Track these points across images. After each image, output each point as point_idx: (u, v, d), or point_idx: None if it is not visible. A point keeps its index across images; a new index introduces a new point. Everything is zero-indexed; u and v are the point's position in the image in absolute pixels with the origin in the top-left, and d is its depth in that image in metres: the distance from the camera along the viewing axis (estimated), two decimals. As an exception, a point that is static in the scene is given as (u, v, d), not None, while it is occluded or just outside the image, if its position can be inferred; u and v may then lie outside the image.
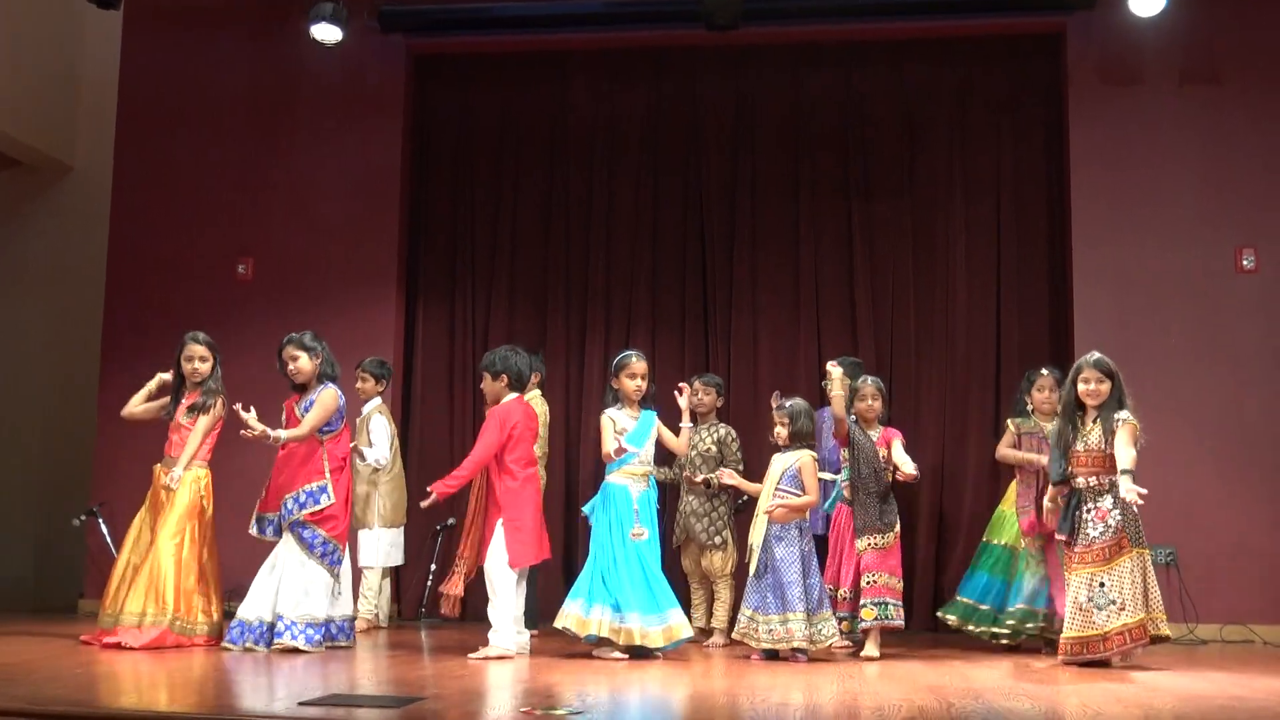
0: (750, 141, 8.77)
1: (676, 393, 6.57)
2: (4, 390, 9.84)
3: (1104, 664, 5.89)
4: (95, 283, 9.07)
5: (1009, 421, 7.05)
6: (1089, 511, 5.95)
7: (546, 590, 7.54)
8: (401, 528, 7.68)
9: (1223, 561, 7.66)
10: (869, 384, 6.69)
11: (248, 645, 6.04)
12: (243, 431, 6.10)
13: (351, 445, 7.35)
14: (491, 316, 8.79)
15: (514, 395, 6.22)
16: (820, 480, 6.63)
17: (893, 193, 8.58)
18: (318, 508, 6.16)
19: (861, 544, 6.39)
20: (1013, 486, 7.01)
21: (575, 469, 8.37)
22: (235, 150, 8.86)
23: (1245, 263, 7.95)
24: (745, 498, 6.98)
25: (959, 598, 7.03)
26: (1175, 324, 7.96)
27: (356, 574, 7.57)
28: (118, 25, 9.03)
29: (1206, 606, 7.58)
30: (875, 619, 6.26)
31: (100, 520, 8.26)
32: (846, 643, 6.55)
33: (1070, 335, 8.05)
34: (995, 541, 7.05)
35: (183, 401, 6.50)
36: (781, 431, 6.36)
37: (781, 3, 8.39)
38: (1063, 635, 5.97)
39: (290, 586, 6.09)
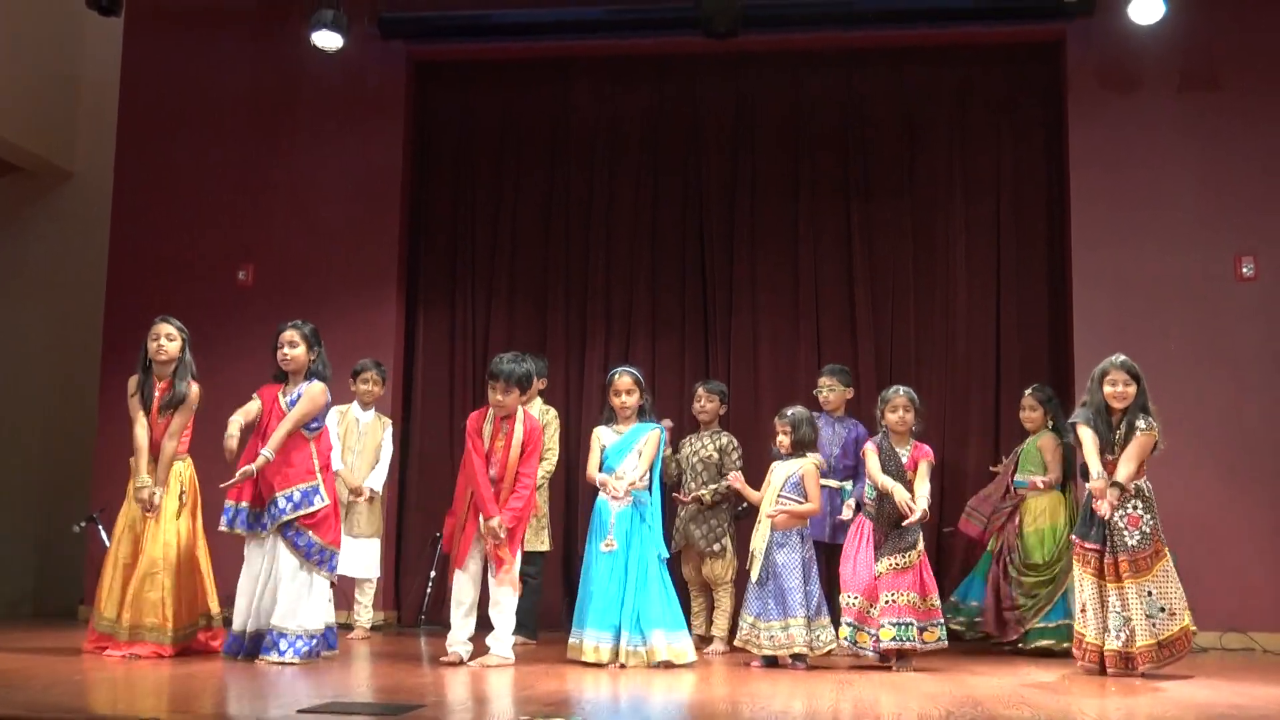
0: (750, 143, 8.79)
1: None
2: (4, 395, 9.85)
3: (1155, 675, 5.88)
4: (95, 287, 9.08)
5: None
6: (1121, 519, 5.90)
7: (547, 599, 7.54)
8: (378, 538, 7.61)
9: (1222, 568, 7.65)
10: (900, 394, 6.32)
11: (250, 657, 5.95)
12: (248, 468, 5.89)
13: (365, 497, 7.29)
14: (492, 320, 8.80)
15: (521, 408, 6.23)
16: (823, 487, 6.64)
17: (892, 195, 8.60)
18: (311, 509, 5.95)
19: (882, 565, 6.12)
20: (1034, 504, 7.07)
21: (575, 476, 8.35)
22: (236, 154, 8.86)
23: (1245, 270, 7.96)
24: (744, 505, 6.97)
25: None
26: (1174, 329, 7.96)
27: (350, 583, 7.55)
28: (118, 30, 9.04)
29: (1206, 614, 7.53)
30: (894, 639, 6.00)
31: (100, 526, 8.24)
32: (857, 652, 6.51)
33: (1070, 339, 8.05)
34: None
35: (155, 395, 6.23)
36: (784, 440, 6.35)
37: (781, 10, 8.40)
38: (1139, 644, 5.81)
39: (285, 597, 5.91)
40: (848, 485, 6.96)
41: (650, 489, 6.31)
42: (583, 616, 6.11)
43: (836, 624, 6.29)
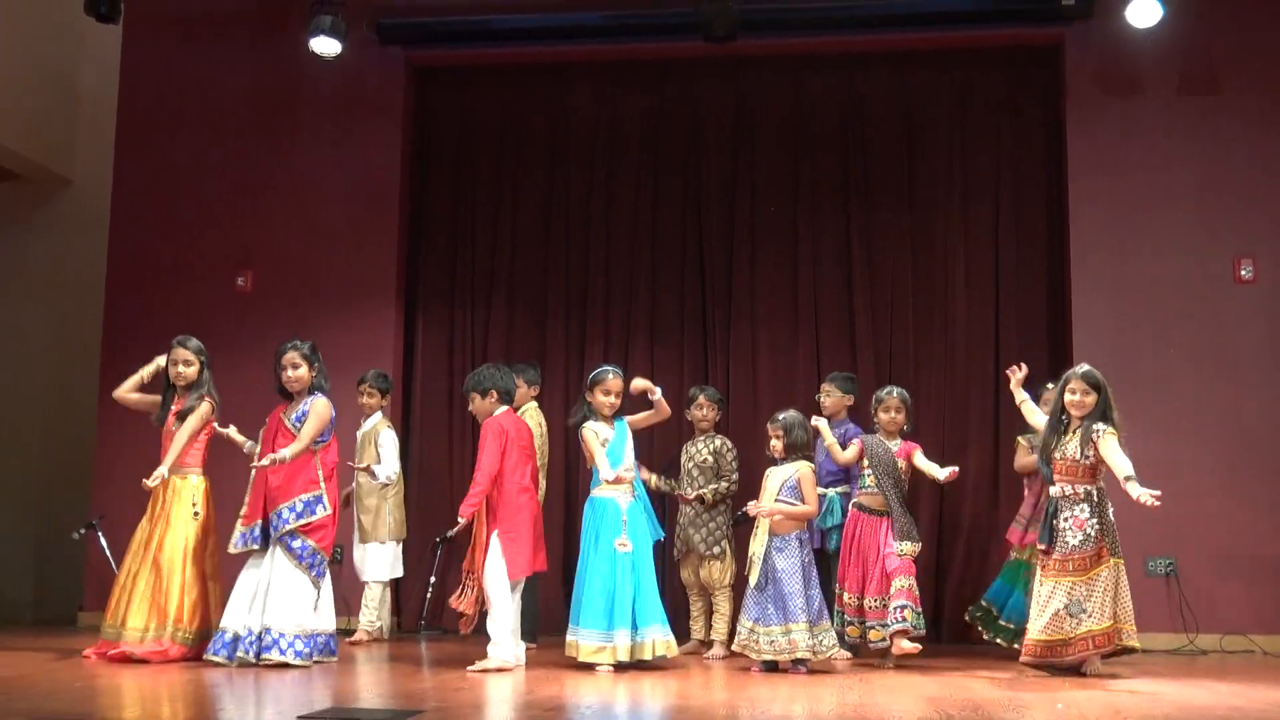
0: (749, 147, 8.79)
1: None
2: (4, 400, 9.85)
3: (1058, 667, 5.94)
4: (94, 292, 9.08)
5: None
6: (1066, 520, 6.00)
7: (547, 603, 7.54)
8: (402, 541, 7.68)
9: (1222, 571, 7.66)
10: (894, 395, 6.65)
11: (240, 658, 5.95)
12: (254, 465, 6.07)
13: (362, 466, 7.34)
14: (491, 325, 8.80)
15: (504, 409, 6.23)
16: (823, 494, 6.68)
17: (891, 198, 8.60)
18: (313, 518, 6.06)
19: (903, 547, 6.35)
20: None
21: (574, 479, 8.35)
22: (234, 159, 8.87)
23: (1244, 273, 7.96)
24: (743, 510, 6.96)
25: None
26: (1173, 331, 7.96)
27: (357, 587, 7.57)
28: (116, 37, 9.06)
29: (1206, 616, 7.57)
30: (914, 623, 6.25)
31: (100, 533, 8.24)
32: (847, 654, 6.55)
33: (1069, 342, 8.05)
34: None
35: (172, 409, 6.42)
36: (777, 444, 6.37)
37: (779, 14, 8.41)
38: (1028, 637, 6.02)
39: (279, 597, 5.97)
40: (830, 492, 6.93)
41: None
42: (589, 616, 6.08)
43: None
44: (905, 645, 6.20)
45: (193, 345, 6.47)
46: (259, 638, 5.96)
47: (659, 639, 6.15)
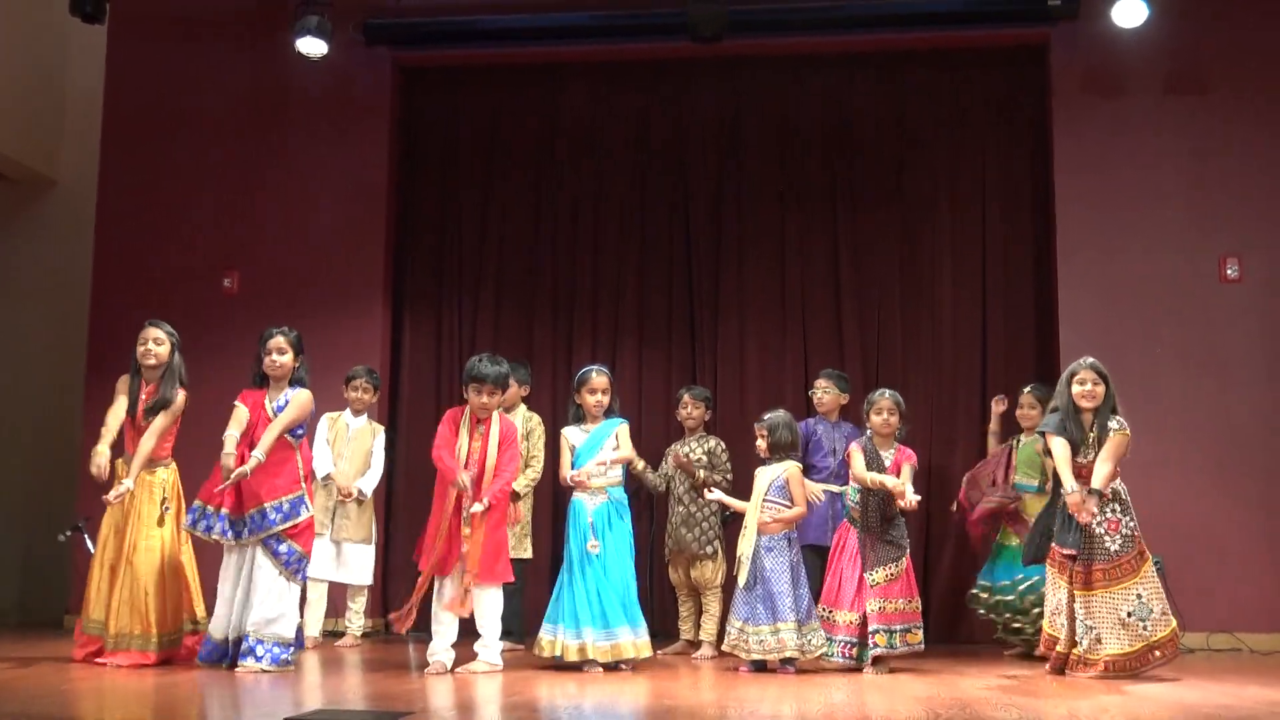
0: (738, 147, 8.79)
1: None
2: (-12, 404, 9.81)
3: (1137, 676, 5.87)
4: (80, 295, 9.04)
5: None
6: (1100, 525, 5.91)
7: (535, 604, 7.51)
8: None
9: (1210, 569, 7.67)
10: (886, 397, 6.43)
11: (226, 665, 5.91)
12: (232, 475, 5.81)
13: (354, 496, 7.26)
14: (479, 325, 8.79)
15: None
16: (825, 491, 6.67)
17: (879, 198, 8.61)
18: (298, 520, 5.95)
19: (874, 577, 6.20)
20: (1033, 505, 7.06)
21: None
22: (220, 160, 8.83)
23: (1230, 272, 7.98)
24: (730, 510, 6.97)
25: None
26: (1161, 330, 7.98)
27: (341, 590, 7.52)
28: (102, 39, 9.02)
29: (1194, 615, 7.55)
30: (886, 647, 6.11)
31: (86, 535, 8.18)
32: (837, 659, 6.54)
33: (1056, 340, 8.07)
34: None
35: (141, 398, 6.24)
36: (761, 444, 6.37)
37: (767, 15, 8.41)
38: (1112, 652, 5.83)
39: (262, 605, 5.86)
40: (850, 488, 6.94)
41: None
42: (555, 614, 6.14)
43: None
44: (870, 673, 6.09)
45: (164, 326, 6.31)
46: (238, 644, 5.90)
47: (629, 641, 6.12)
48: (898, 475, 6.25)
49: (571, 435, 6.38)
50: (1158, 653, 5.88)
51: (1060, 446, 5.96)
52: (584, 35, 8.69)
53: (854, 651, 6.21)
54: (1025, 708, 4.94)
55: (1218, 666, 6.76)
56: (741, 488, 6.69)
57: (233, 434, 5.93)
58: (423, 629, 8.09)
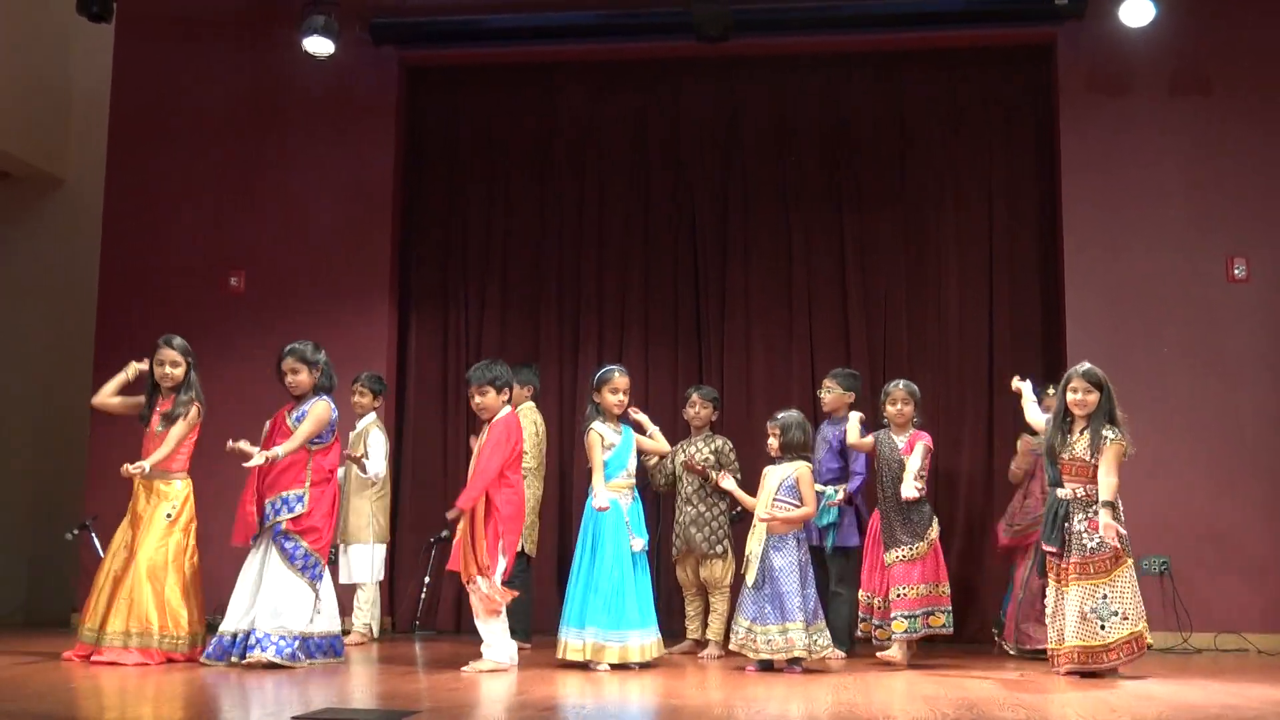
0: (741, 145, 8.79)
1: (631, 411, 6.57)
2: (-5, 403, 9.83)
3: (1099, 674, 5.90)
4: (87, 294, 9.05)
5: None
6: (1081, 523, 5.96)
7: (543, 602, 7.53)
8: (384, 544, 7.65)
9: (1216, 570, 7.67)
10: (900, 388, 6.71)
11: (231, 660, 5.96)
12: (245, 464, 5.99)
13: (358, 456, 7.33)
14: (484, 327, 8.79)
15: (507, 409, 6.21)
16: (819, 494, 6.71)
17: (884, 197, 8.60)
18: (291, 514, 6.04)
19: (891, 557, 6.44)
20: None
21: (569, 480, 8.35)
22: (227, 159, 8.85)
23: (1236, 271, 7.98)
24: (739, 510, 6.97)
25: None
26: (1167, 330, 7.97)
27: (348, 589, 7.53)
28: (109, 38, 9.02)
29: (1200, 615, 7.58)
30: (905, 631, 6.34)
31: (93, 534, 8.22)
32: (842, 653, 6.57)
33: (1062, 341, 8.06)
34: None
35: (157, 409, 6.36)
36: (773, 443, 6.37)
37: (770, 14, 8.41)
38: (1065, 644, 5.95)
39: (268, 598, 5.97)
40: (829, 490, 6.93)
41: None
42: (598, 615, 6.08)
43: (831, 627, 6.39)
44: (888, 654, 6.35)
45: (178, 344, 6.40)
46: (245, 637, 5.97)
47: (654, 641, 6.24)
48: (909, 453, 6.51)
49: (606, 434, 6.35)
50: (1110, 654, 5.89)
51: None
52: (587, 34, 8.70)
53: (881, 633, 6.46)
54: (1032, 707, 4.93)
55: (1224, 667, 6.75)
56: (749, 487, 6.68)
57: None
58: (429, 627, 8.16)
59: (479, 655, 6.00)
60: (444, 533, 7.92)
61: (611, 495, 6.27)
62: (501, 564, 5.98)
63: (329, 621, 6.24)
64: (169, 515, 6.25)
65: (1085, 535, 5.94)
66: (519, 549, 6.91)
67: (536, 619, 7.24)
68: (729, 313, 8.58)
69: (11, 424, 9.79)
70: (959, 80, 8.67)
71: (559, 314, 8.75)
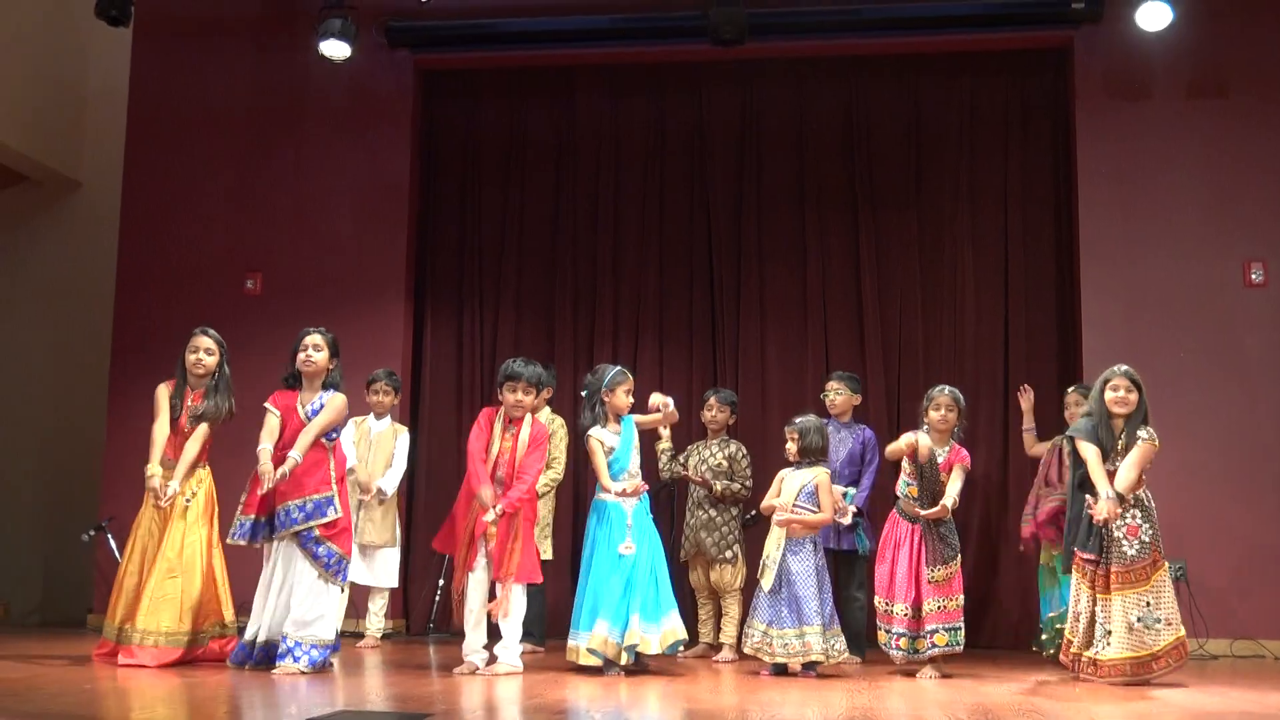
0: (756, 149, 8.79)
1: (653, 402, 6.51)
2: (13, 403, 9.86)
3: (1148, 684, 5.85)
4: (103, 296, 9.09)
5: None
6: (1120, 529, 5.90)
7: (557, 606, 7.52)
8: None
9: (1234, 576, 7.64)
10: (945, 394, 6.34)
11: (257, 667, 5.90)
12: (269, 480, 5.81)
13: (371, 494, 7.29)
14: (499, 328, 8.81)
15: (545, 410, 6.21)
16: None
17: (900, 201, 8.60)
18: (324, 519, 5.89)
19: (935, 574, 6.16)
20: None
21: (583, 481, 8.35)
22: (243, 162, 8.89)
23: (1254, 276, 7.94)
24: (754, 513, 6.96)
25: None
26: (1185, 337, 7.94)
27: (362, 592, 7.53)
28: (126, 40, 9.07)
29: (1217, 621, 7.55)
30: (948, 645, 6.10)
31: (109, 535, 8.26)
32: (857, 659, 6.54)
33: (1079, 347, 8.04)
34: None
35: (187, 404, 6.27)
36: (792, 448, 6.35)
37: (787, 18, 8.42)
38: (1112, 656, 5.83)
39: (299, 607, 5.84)
40: (850, 490, 6.93)
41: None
42: (589, 617, 6.07)
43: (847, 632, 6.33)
44: (928, 675, 6.12)
45: (214, 335, 6.36)
46: (274, 646, 5.89)
47: (667, 631, 6.09)
48: (948, 474, 6.21)
49: (605, 438, 6.31)
50: (1159, 662, 5.85)
51: (1092, 453, 5.95)
52: (602, 38, 8.71)
53: (903, 643, 6.20)
54: (1048, 713, 4.91)
55: (1241, 673, 6.72)
56: (761, 487, 6.67)
57: (266, 447, 5.91)
58: (444, 629, 8.17)
59: (494, 658, 5.99)
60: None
61: (612, 499, 6.23)
62: (532, 570, 6.02)
63: (339, 622, 6.21)
64: (186, 503, 6.19)
65: (1125, 542, 5.87)
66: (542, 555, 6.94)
67: (549, 622, 7.24)
68: (744, 315, 8.58)
69: (28, 425, 9.84)
70: (975, 84, 8.66)
71: (574, 316, 8.76)
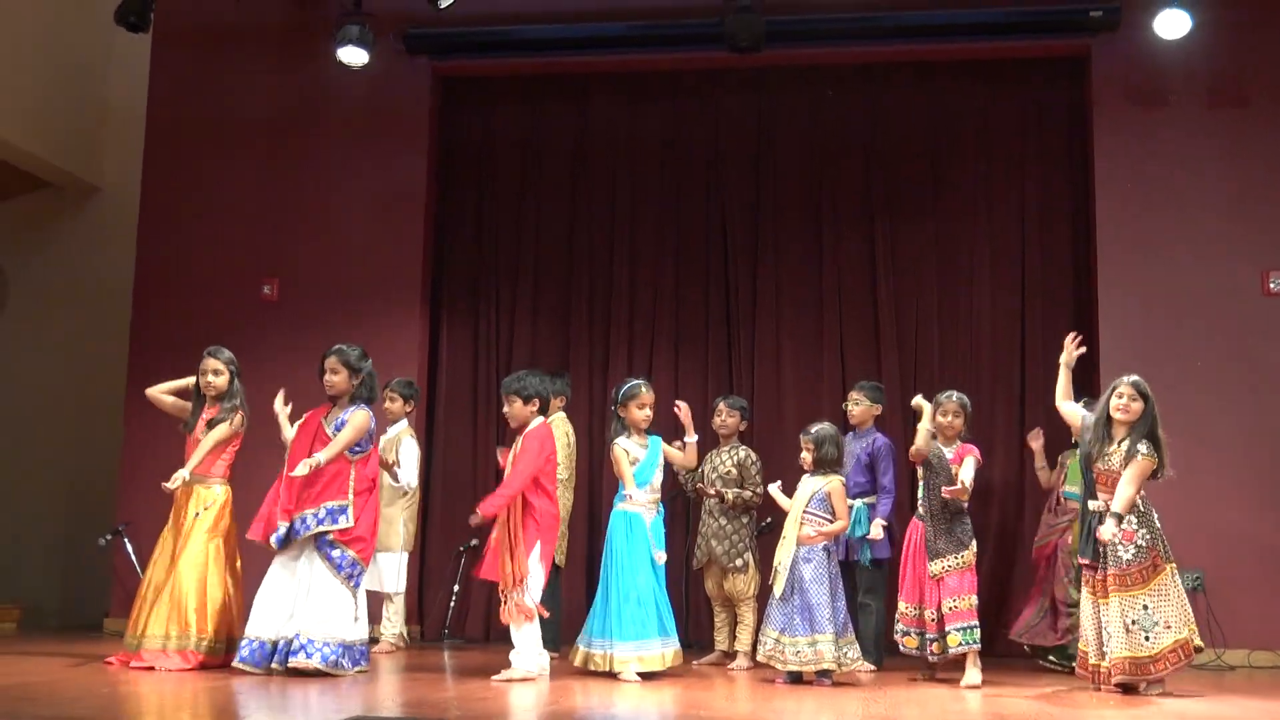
0: (772, 156, 8.79)
1: (676, 409, 6.58)
2: (31, 409, 9.92)
3: (1149, 684, 5.83)
4: (122, 301, 9.13)
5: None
6: (1115, 535, 5.89)
7: (570, 613, 7.52)
8: (408, 553, 7.66)
9: (1251, 586, 7.59)
10: (953, 400, 6.50)
11: (271, 667, 5.95)
12: (291, 474, 5.99)
13: (391, 462, 7.34)
14: (515, 336, 8.82)
15: (540, 419, 6.23)
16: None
17: (916, 209, 8.58)
18: (335, 527, 6.01)
19: (936, 567, 6.25)
20: None
21: (599, 490, 8.35)
22: (261, 169, 8.92)
23: (1274, 285, 7.90)
24: (768, 521, 6.95)
25: None
26: (1203, 346, 7.90)
27: (376, 598, 7.55)
28: (146, 48, 9.11)
29: (1234, 631, 7.50)
30: (961, 644, 6.16)
31: (125, 540, 8.30)
32: (870, 666, 6.52)
33: (1095, 354, 7.98)
34: None
35: (202, 417, 6.46)
36: (806, 457, 6.35)
37: (803, 25, 8.41)
38: (1112, 656, 5.83)
39: (314, 605, 5.96)
40: (858, 504, 6.90)
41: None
42: (628, 627, 6.08)
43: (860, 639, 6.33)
44: (969, 682, 6.14)
45: (223, 356, 6.51)
46: (288, 643, 5.94)
47: (674, 650, 6.24)
48: (959, 465, 6.33)
49: (631, 449, 6.35)
50: (1159, 664, 5.82)
51: (1077, 415, 6.16)
52: (618, 45, 8.72)
53: (936, 647, 6.25)
54: (1064, 723, 4.91)
55: (1258, 684, 6.69)
56: (772, 501, 6.66)
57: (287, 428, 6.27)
58: (458, 635, 8.18)
59: (508, 664, 6.00)
60: (473, 541, 7.94)
61: (635, 510, 6.26)
62: (540, 574, 6.00)
63: (364, 629, 6.25)
64: (197, 514, 6.29)
65: (1120, 547, 5.88)
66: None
67: (565, 629, 7.24)
68: (760, 323, 8.58)
69: (47, 429, 9.90)
70: (993, 92, 8.64)
71: (589, 323, 8.76)
